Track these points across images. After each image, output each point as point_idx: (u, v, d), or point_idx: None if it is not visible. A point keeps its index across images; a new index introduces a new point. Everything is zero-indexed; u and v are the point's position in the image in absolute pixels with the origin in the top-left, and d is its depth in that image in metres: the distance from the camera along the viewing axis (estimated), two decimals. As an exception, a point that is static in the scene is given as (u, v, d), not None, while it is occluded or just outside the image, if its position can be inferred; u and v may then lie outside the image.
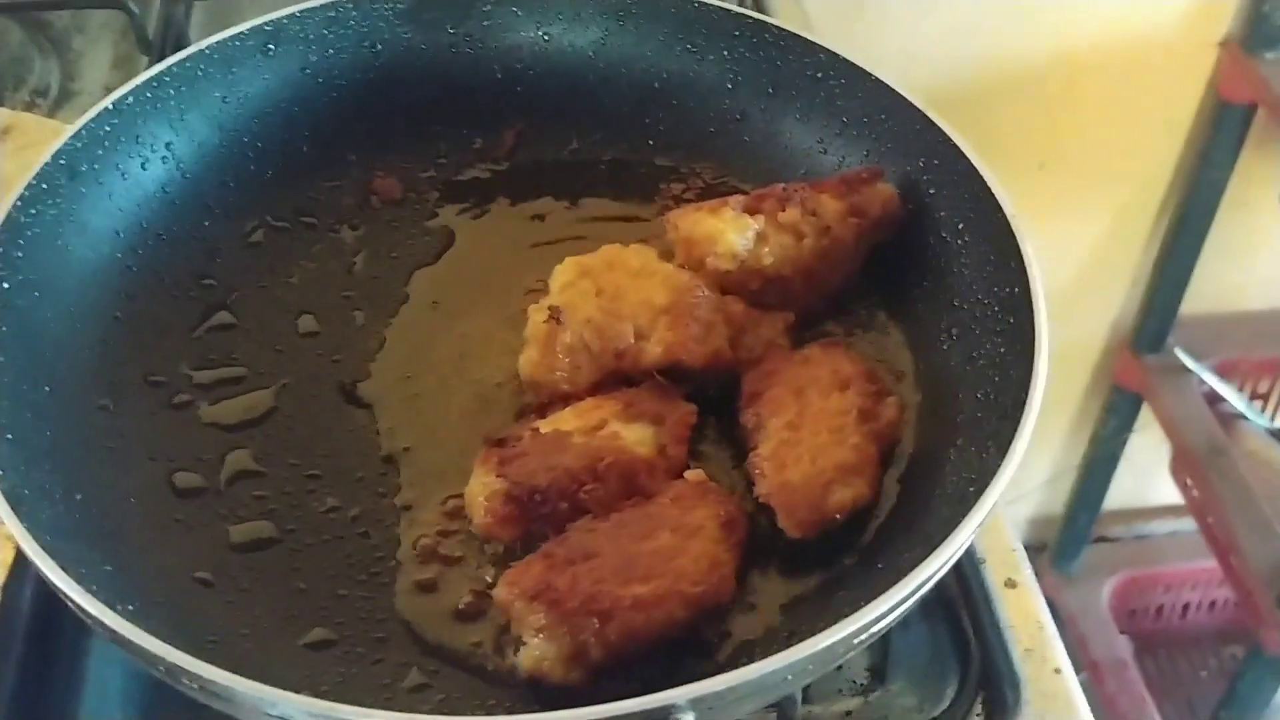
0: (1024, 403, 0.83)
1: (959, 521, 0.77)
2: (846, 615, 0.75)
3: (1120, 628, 2.74)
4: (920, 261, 0.99)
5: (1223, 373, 2.44)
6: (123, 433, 0.91)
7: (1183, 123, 2.19)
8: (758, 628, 0.83)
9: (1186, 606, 2.79)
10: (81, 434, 0.89)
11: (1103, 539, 2.87)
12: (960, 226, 0.97)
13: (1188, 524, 2.46)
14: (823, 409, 0.88)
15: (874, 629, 0.74)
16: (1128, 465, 2.68)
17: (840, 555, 0.86)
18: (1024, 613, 0.94)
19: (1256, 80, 2.02)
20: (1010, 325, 0.90)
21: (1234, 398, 2.43)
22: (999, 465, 0.80)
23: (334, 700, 0.75)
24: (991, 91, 2.04)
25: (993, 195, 0.94)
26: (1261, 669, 2.18)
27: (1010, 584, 0.95)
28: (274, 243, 1.06)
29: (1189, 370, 2.40)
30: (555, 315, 0.90)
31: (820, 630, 0.73)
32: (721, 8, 1.11)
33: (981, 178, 0.95)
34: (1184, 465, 2.35)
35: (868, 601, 0.75)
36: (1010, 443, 0.80)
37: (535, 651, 0.78)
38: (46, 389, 0.89)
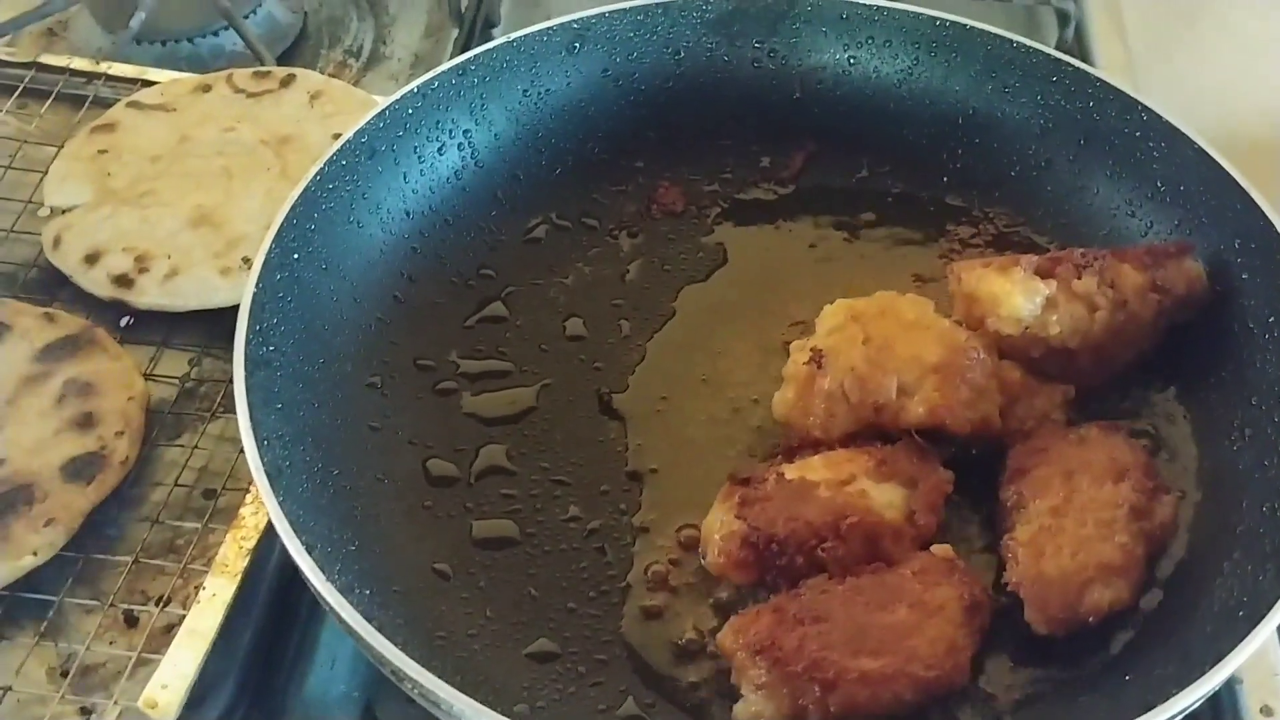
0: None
1: (1228, 648, 0.71)
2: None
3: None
4: (1221, 349, 0.92)
5: None
6: (386, 413, 0.94)
7: None
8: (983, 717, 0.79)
9: None
10: (347, 411, 0.92)
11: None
12: (1271, 320, 0.89)
13: None
14: (1093, 498, 0.83)
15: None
16: None
17: (1086, 656, 0.81)
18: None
19: None
20: (1313, 439, 0.82)
21: None
22: (1278, 596, 0.73)
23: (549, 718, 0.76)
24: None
25: (1313, 297, 0.86)
26: None
27: (1267, 711, 0.87)
28: (554, 241, 1.07)
29: None
30: (817, 358, 0.88)
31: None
32: (1041, 50, 1.05)
33: (1302, 275, 0.87)
34: None
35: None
36: (1296, 575, 0.74)
37: (753, 708, 0.76)
38: (321, 361, 0.92)
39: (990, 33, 1.07)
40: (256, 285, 0.89)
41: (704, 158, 1.12)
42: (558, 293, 1.04)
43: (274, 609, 0.93)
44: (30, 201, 1.13)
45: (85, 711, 0.85)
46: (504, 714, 0.74)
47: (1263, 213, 0.90)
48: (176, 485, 0.96)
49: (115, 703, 0.84)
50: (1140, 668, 0.78)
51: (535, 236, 1.07)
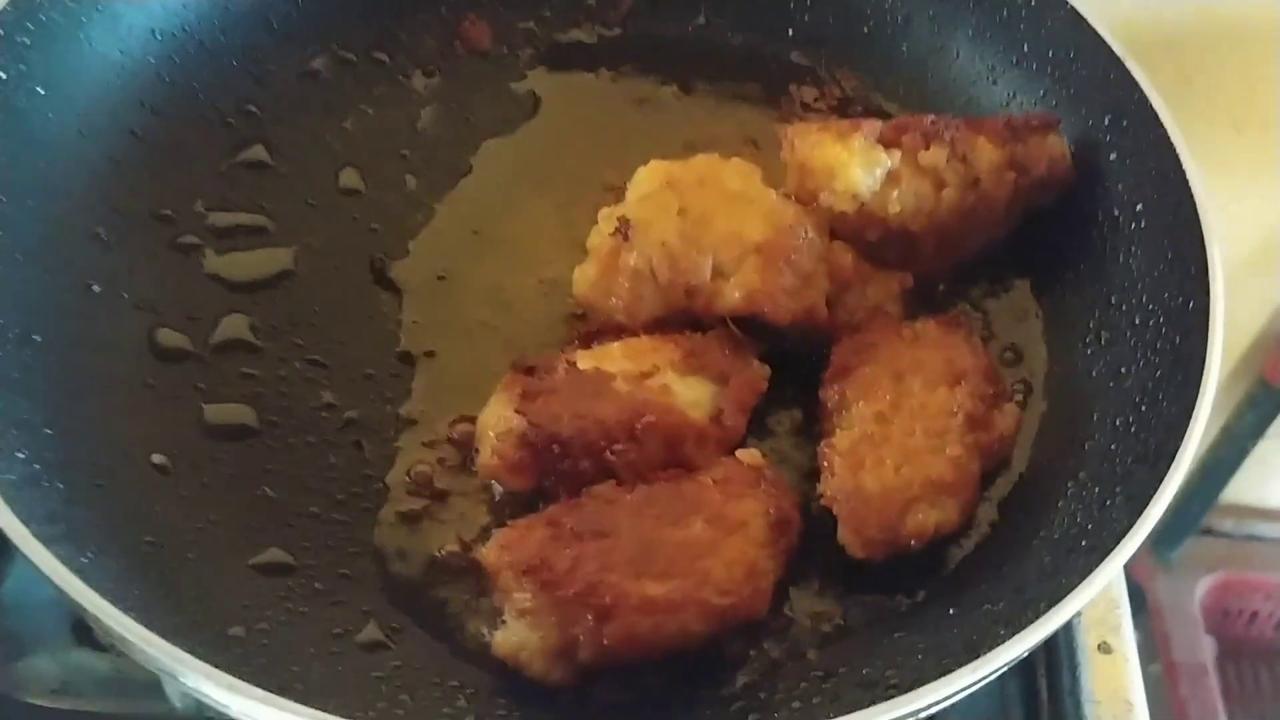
0: (1173, 452, 0.66)
1: (1068, 586, 0.61)
2: (897, 681, 0.60)
3: (1207, 628, 2.56)
4: (1080, 240, 0.81)
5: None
6: (110, 272, 0.78)
7: None
8: (786, 655, 0.69)
9: (1255, 615, 2.60)
10: (61, 266, 0.76)
11: (1209, 531, 2.67)
12: (1138, 208, 0.79)
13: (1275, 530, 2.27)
14: (924, 403, 0.72)
15: (931, 710, 0.59)
16: (1255, 460, 2.46)
17: (906, 585, 0.71)
18: (1113, 686, 0.78)
19: None
20: (1174, 347, 0.72)
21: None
22: (1127, 527, 0.63)
23: (272, 644, 0.63)
24: (1194, 35, 1.79)
25: (1186, 180, 0.75)
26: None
27: (1104, 648, 0.79)
28: (334, 77, 0.91)
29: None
30: (624, 229, 0.75)
31: (865, 704, 0.58)
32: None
33: (1176, 155, 0.76)
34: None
35: (932, 668, 0.60)
36: (1147, 500, 0.64)
37: (514, 636, 0.64)
38: (29, 203, 0.76)
39: None
40: (-59, 107, 0.72)
41: (519, -11, 0.96)
42: (333, 138, 0.88)
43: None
44: None
45: None
46: (214, 639, 0.61)
47: (1138, 86, 0.79)
48: None
49: None
50: (966, 601, 0.68)
51: (313, 69, 0.91)
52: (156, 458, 0.72)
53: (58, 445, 0.68)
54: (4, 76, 0.77)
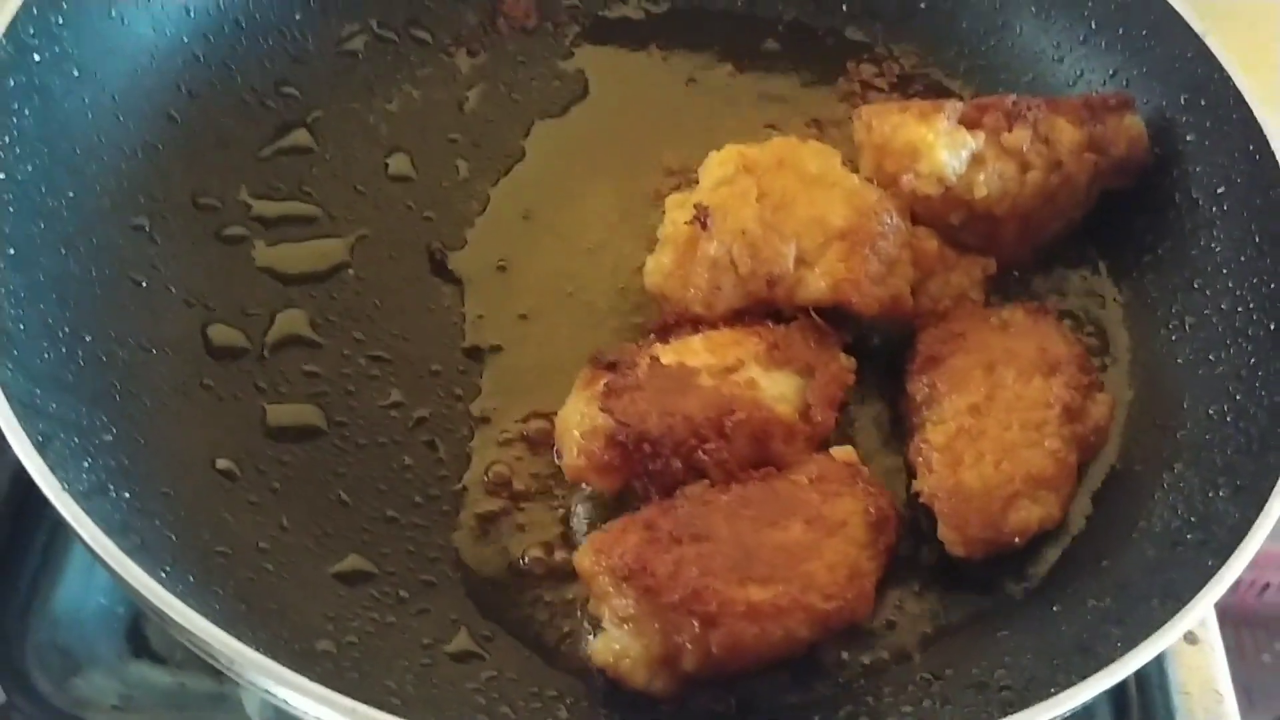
0: (1281, 444, 0.64)
1: (1191, 584, 0.60)
2: (1009, 682, 0.59)
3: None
4: (1159, 223, 0.80)
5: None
6: (156, 265, 0.75)
7: None
8: (889, 657, 0.67)
9: (1266, 586, 2.62)
10: (104, 260, 0.72)
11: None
12: (1220, 190, 0.77)
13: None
14: (1019, 395, 0.70)
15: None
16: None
17: (1005, 580, 0.69)
18: (1202, 677, 0.76)
19: None
20: (1269, 333, 0.70)
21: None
22: (1244, 520, 0.62)
23: (361, 657, 0.60)
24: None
25: (1275, 161, 0.73)
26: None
27: (1190, 639, 0.77)
28: (375, 56, 0.87)
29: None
30: (702, 218, 0.72)
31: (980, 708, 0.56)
32: None
33: (1263, 134, 0.75)
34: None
35: (1043, 667, 0.59)
36: (1264, 493, 0.62)
37: (615, 644, 0.62)
38: (70, 195, 0.72)
39: None
40: (-21, 90, 0.68)
41: (561, -39, 0.93)
42: (378, 121, 0.85)
43: (12, 499, 0.74)
44: None
45: None
46: (303, 653, 0.58)
47: (1218, 63, 0.77)
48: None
49: None
50: (1069, 597, 0.67)
51: (352, 49, 0.88)
52: (221, 462, 0.69)
53: (120, 451, 0.65)
54: (38, 58, 0.73)
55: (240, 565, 0.64)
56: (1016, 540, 0.67)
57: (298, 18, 0.86)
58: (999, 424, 0.69)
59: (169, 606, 0.55)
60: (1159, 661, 0.76)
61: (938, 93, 0.88)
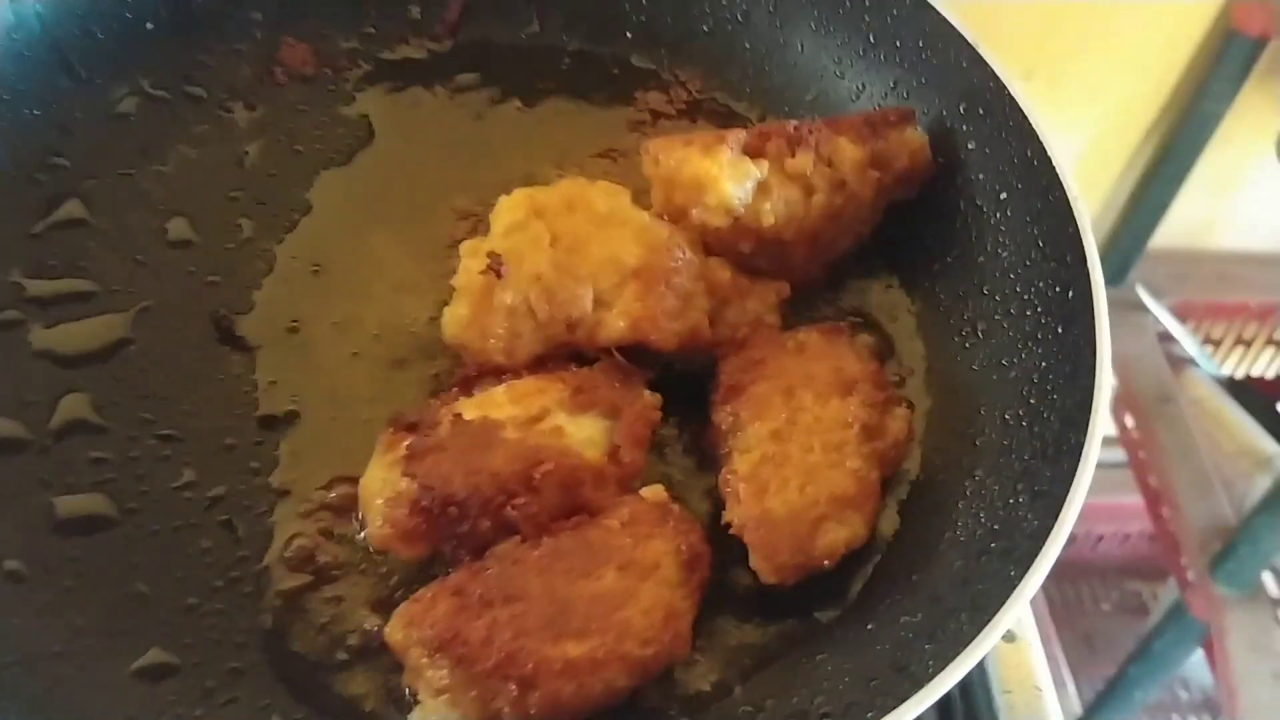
0: (1076, 446, 0.66)
1: (997, 595, 0.61)
2: (829, 710, 0.59)
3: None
4: (946, 232, 0.81)
5: (1180, 314, 2.32)
6: (-78, 359, 0.70)
7: (1185, 46, 2.01)
8: (709, 692, 0.67)
9: (1100, 538, 2.72)
10: None
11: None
12: (1002, 196, 0.78)
13: (1115, 455, 2.38)
14: (818, 418, 0.71)
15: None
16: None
17: (820, 604, 0.70)
18: (1022, 674, 0.78)
19: (1274, 13, 1.84)
20: (1057, 336, 0.72)
21: (1187, 341, 2.32)
22: (1042, 527, 0.63)
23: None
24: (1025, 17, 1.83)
25: (1052, 166, 0.75)
26: (1181, 630, 2.11)
27: (1009, 638, 0.79)
28: (147, 117, 0.84)
29: (1146, 308, 2.27)
30: (496, 266, 0.71)
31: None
32: (732, -122, 0.90)
33: (1039, 139, 0.76)
34: (1127, 404, 2.24)
35: (860, 690, 0.59)
36: (1060, 498, 0.64)
37: (433, 716, 0.61)
38: None
39: None
40: None
41: (338, 7, 0.90)
42: (154, 185, 0.82)
43: None
44: None
45: None
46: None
47: (992, 70, 0.79)
48: None
49: None
50: (882, 615, 0.67)
51: (122, 112, 0.84)
52: (8, 564, 0.65)
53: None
54: None
55: (34, 674, 0.61)
56: (826, 563, 0.67)
57: (64, 85, 0.82)
58: (801, 448, 0.70)
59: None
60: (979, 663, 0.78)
61: (726, 116, 0.89)
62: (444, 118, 0.88)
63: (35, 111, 0.81)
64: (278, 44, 0.89)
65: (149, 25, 0.86)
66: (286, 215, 0.82)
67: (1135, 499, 2.38)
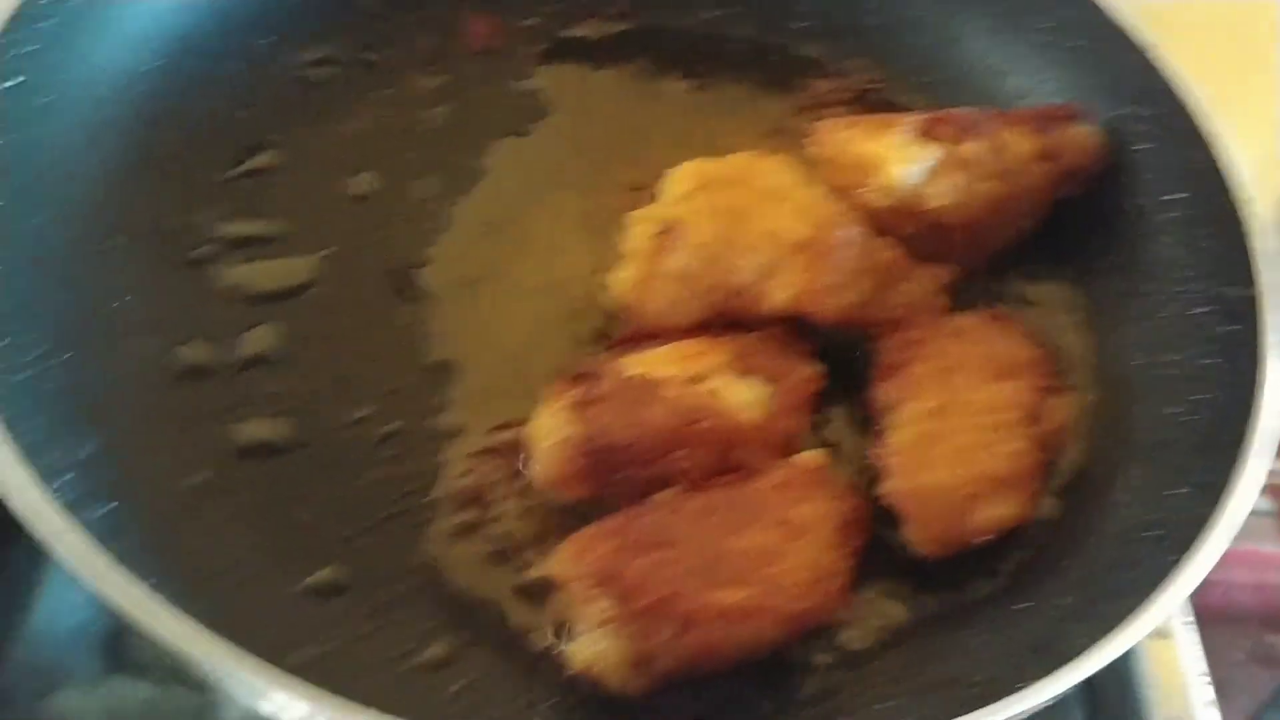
0: (1234, 442, 0.66)
1: (1149, 595, 0.61)
2: (978, 679, 0.60)
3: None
4: (1114, 229, 0.81)
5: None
6: (123, 289, 0.75)
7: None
8: (857, 655, 0.68)
9: (1235, 586, 2.66)
10: (73, 285, 0.72)
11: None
12: (1169, 197, 0.79)
13: (1262, 504, 2.32)
14: (978, 399, 0.71)
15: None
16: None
17: (969, 580, 0.71)
18: (1170, 672, 0.78)
19: None
20: (1220, 335, 0.72)
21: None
22: (1200, 517, 0.63)
23: (335, 668, 0.60)
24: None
25: (1222, 170, 0.75)
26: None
27: (1160, 633, 0.79)
28: (336, 80, 0.88)
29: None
30: (664, 232, 0.73)
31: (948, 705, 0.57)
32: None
33: (1209, 141, 0.77)
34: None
35: (1006, 665, 0.60)
36: (1219, 491, 0.64)
37: (592, 647, 0.63)
38: (36, 222, 0.72)
39: None
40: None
41: (520, -16, 0.94)
42: (340, 141, 0.85)
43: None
44: None
45: None
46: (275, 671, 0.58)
47: (1166, 75, 0.79)
48: None
49: None
50: (1033, 596, 0.68)
51: (311, 74, 0.88)
52: (192, 480, 0.69)
53: (94, 470, 0.65)
54: (10, 84, 0.73)
55: (214, 580, 0.65)
56: (979, 539, 0.68)
57: (259, 44, 0.87)
58: (960, 426, 0.70)
59: (153, 617, 0.55)
60: (1126, 656, 0.77)
61: (891, 108, 0.90)
62: (617, 96, 0.91)
63: (233, 68, 0.86)
64: (458, 17, 0.92)
65: (343, -7, 0.90)
66: (463, 178, 0.85)
67: (1275, 548, 2.32)
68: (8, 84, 0.73)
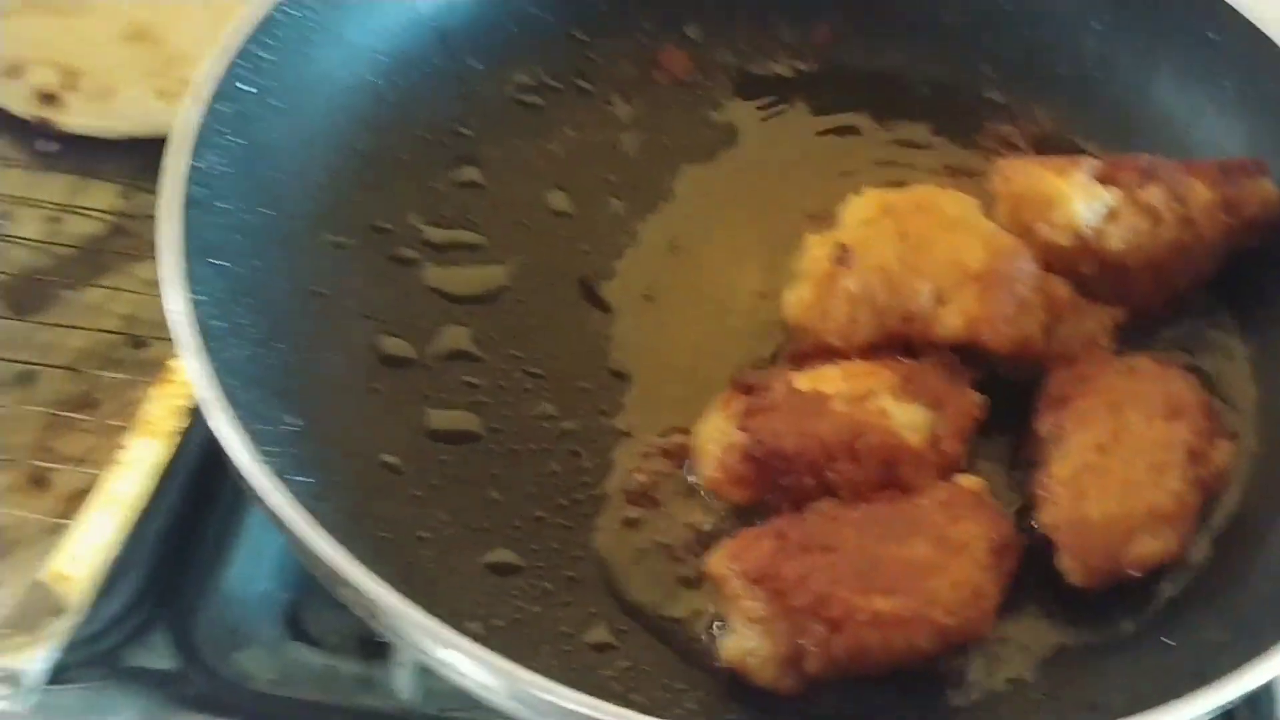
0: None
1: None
2: (1124, 707, 0.61)
3: None
4: (1285, 282, 0.82)
5: None
6: (337, 279, 0.81)
7: None
8: (1005, 676, 0.69)
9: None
10: (293, 272, 0.79)
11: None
12: (1352, 254, 0.79)
13: None
14: (1143, 437, 0.72)
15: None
16: None
17: (1121, 612, 0.71)
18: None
19: None
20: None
21: None
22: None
23: (506, 641, 0.65)
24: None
25: None
26: None
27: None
28: (541, 102, 0.94)
29: None
30: (843, 254, 0.76)
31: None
32: (1111, -65, 0.93)
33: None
34: None
35: (1156, 695, 0.61)
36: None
37: (744, 643, 0.66)
38: (265, 212, 0.79)
39: (1051, -92, 0.95)
40: (196, 114, 0.76)
41: (717, 22, 0.98)
42: (541, 160, 0.91)
43: (193, 485, 0.81)
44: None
45: (-18, 580, 0.73)
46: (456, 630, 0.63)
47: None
48: (99, 331, 0.85)
49: (17, 573, 0.73)
50: (1184, 631, 0.69)
51: (521, 95, 0.94)
52: (388, 458, 0.75)
53: (300, 441, 0.71)
54: (248, 87, 0.80)
55: (402, 550, 0.70)
56: (1134, 573, 0.69)
57: (476, 66, 0.93)
58: (1122, 463, 0.71)
59: (346, 570, 0.60)
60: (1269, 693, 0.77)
61: (1072, 153, 0.91)
62: (802, 130, 0.95)
63: (449, 86, 0.92)
64: (660, 50, 0.98)
65: (552, 21, 0.96)
66: (652, 199, 0.90)
67: None
68: (244, 88, 0.80)
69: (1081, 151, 0.92)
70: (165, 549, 0.78)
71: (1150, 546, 0.69)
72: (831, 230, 0.80)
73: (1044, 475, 0.73)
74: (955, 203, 0.78)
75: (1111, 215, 0.78)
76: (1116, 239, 0.78)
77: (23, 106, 0.93)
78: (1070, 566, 0.69)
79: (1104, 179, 0.78)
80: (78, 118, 0.93)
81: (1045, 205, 0.78)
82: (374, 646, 0.78)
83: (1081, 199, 0.77)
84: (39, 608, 0.68)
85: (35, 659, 0.67)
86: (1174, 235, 0.79)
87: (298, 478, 0.67)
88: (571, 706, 0.57)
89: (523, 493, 0.74)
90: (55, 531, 0.73)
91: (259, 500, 0.63)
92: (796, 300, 0.78)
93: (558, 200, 0.89)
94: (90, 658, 0.75)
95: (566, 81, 0.96)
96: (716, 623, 0.69)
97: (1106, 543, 0.69)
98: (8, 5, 0.97)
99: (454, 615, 0.65)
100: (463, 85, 0.93)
